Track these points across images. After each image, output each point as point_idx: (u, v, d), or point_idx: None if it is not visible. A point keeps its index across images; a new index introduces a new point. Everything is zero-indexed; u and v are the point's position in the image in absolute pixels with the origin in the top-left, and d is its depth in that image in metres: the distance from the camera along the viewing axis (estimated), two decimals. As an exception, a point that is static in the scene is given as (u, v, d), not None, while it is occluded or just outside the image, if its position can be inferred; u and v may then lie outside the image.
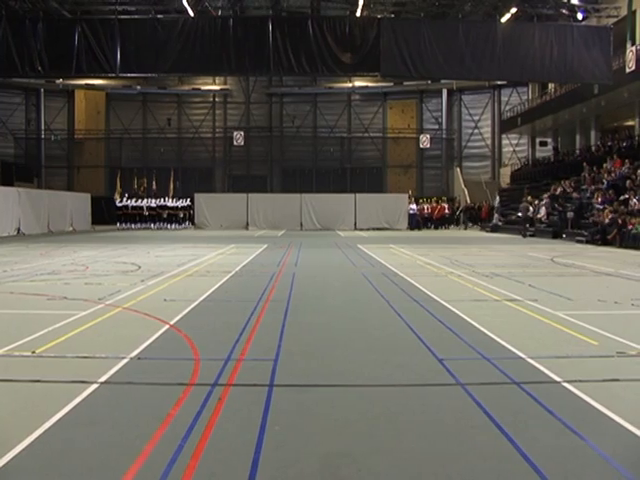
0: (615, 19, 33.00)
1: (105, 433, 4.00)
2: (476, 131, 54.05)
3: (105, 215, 44.49)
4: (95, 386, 4.95)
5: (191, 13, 33.46)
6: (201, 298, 9.53)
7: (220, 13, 37.23)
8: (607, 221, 23.98)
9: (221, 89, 54.85)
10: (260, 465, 3.50)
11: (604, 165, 32.60)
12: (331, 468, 3.49)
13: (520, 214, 33.21)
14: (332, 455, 3.66)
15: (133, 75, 36.14)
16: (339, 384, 5.10)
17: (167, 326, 7.34)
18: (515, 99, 50.62)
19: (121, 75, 30.77)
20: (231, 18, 30.39)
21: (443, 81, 48.16)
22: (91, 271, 13.49)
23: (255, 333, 7.03)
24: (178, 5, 34.70)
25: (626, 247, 21.65)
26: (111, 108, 54.33)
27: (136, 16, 31.82)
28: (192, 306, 8.79)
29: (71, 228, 36.93)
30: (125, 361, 5.73)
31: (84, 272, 13.30)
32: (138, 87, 52.74)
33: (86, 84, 50.76)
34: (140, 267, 14.30)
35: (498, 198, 41.18)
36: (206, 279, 12.15)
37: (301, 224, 39.32)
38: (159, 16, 30.54)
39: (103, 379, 5.14)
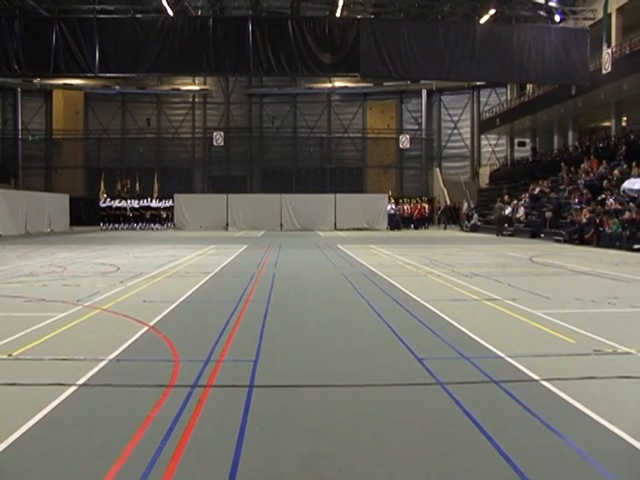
0: (592, 21, 33.35)
1: (83, 436, 3.97)
2: (455, 131, 54.36)
3: (84, 216, 44.16)
4: (73, 388, 4.91)
5: (170, 13, 33.30)
6: (181, 299, 9.49)
7: (200, 13, 37.12)
8: (584, 221, 24.22)
9: (201, 89, 54.68)
10: (240, 466, 3.49)
11: (581, 165, 32.90)
12: (311, 468, 3.49)
13: (495, 214, 34.36)
14: (312, 455, 3.66)
15: (112, 75, 35.85)
16: (319, 384, 5.10)
17: (146, 327, 7.30)
18: (494, 100, 50.98)
19: (100, 75, 30.53)
20: (211, 18, 30.32)
21: (422, 82, 48.36)
22: (69, 272, 13.38)
23: (235, 334, 7.02)
24: (157, 5, 34.51)
25: (603, 246, 21.89)
26: (90, 108, 53.96)
27: (115, 15, 31.58)
28: (171, 307, 8.75)
29: (49, 229, 36.58)
30: (104, 363, 5.69)
31: (62, 273, 13.19)
32: (117, 87, 52.42)
33: (64, 84, 50.32)
34: (119, 268, 14.20)
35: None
36: (186, 280, 12.10)
37: (281, 225, 39.28)
38: (138, 16, 30.34)
39: (81, 381, 5.09)
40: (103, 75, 32.12)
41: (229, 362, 5.77)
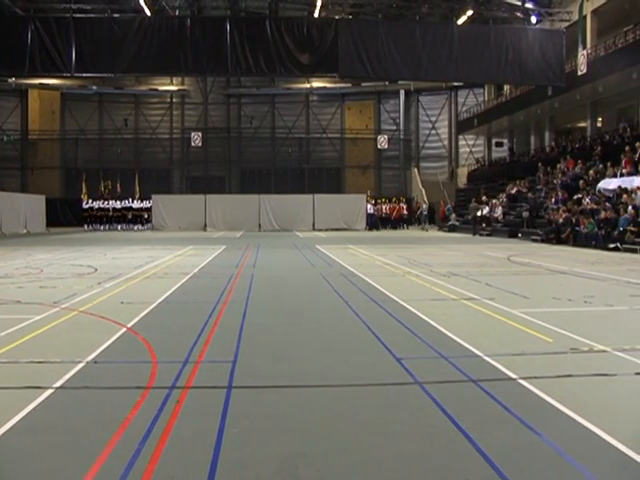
0: (567, 23, 33.70)
1: (61, 439, 3.93)
2: (433, 132, 54.62)
3: (61, 217, 43.79)
4: (50, 391, 4.85)
5: (148, 12, 33.10)
6: (159, 300, 9.43)
7: (177, 13, 36.92)
8: (561, 220, 24.45)
9: (179, 89, 54.44)
10: (219, 467, 3.48)
11: (558, 165, 33.24)
12: (290, 469, 3.49)
13: (470, 214, 35.24)
14: (291, 456, 3.66)
15: (89, 75, 35.52)
16: (298, 385, 5.10)
17: (124, 329, 7.25)
18: (471, 100, 51.32)
19: (76, 75, 30.31)
20: (188, 18, 30.20)
21: (400, 82, 48.53)
22: (46, 274, 13.24)
23: (213, 335, 6.99)
24: (135, 4, 34.29)
25: (579, 246, 22.13)
26: (66, 108, 53.49)
27: (91, 15, 31.28)
28: (150, 308, 8.70)
29: (25, 230, 36.21)
30: (81, 365, 5.64)
31: (38, 275, 13.05)
32: (94, 87, 51.94)
33: (40, 83, 49.76)
34: (97, 269, 14.09)
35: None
36: (164, 281, 12.04)
37: (259, 225, 39.20)
38: (115, 15, 30.06)
39: (58, 384, 5.04)
40: (80, 75, 31.88)
41: (207, 363, 5.75)
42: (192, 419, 4.25)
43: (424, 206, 44.49)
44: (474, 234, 32.51)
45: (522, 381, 5.09)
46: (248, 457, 3.63)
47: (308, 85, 53.41)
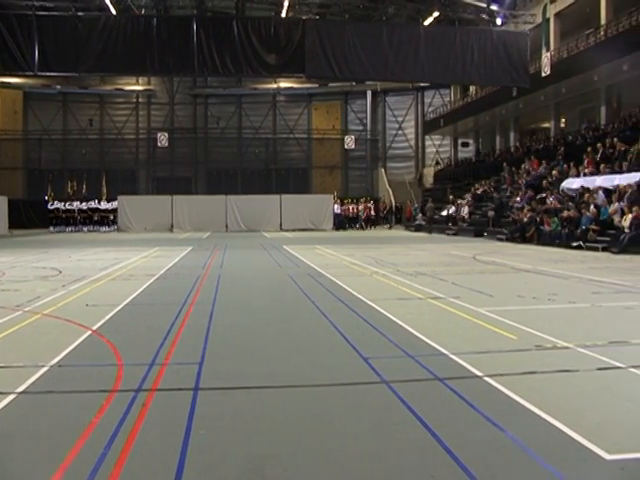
0: (531, 25, 34.17)
1: (23, 445, 3.87)
2: (400, 132, 54.93)
3: (24, 218, 43.07)
4: (12, 397, 4.78)
5: (113, 11, 32.74)
6: (124, 302, 9.34)
7: (143, 12, 36.60)
8: (526, 219, 24.77)
9: (145, 89, 53.97)
10: (185, 469, 3.46)
11: (522, 165, 33.65)
12: (257, 470, 3.49)
13: (427, 214, 36.86)
14: (258, 457, 3.65)
15: (52, 74, 35.04)
16: (265, 385, 5.09)
17: (89, 332, 7.16)
18: (438, 101, 51.73)
19: (39, 74, 29.85)
20: (155, 17, 29.98)
21: (367, 82, 48.75)
22: (8, 277, 13.02)
23: (180, 336, 6.94)
24: (99, 2, 33.90)
25: (543, 244, 22.45)
26: (29, 108, 52.67)
27: (55, 13, 30.82)
28: (115, 311, 8.61)
29: (-14, 233, 35.56)
30: (45, 369, 5.56)
31: (0, 278, 12.83)
32: (58, 86, 51.20)
33: (1, 82, 48.76)
34: (61, 272, 13.90)
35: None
36: (129, 283, 11.93)
37: (226, 226, 39.00)
38: (79, 13, 29.65)
39: (21, 389, 4.96)
40: (43, 74, 31.42)
41: (174, 365, 5.71)
42: (158, 422, 4.22)
43: (389, 206, 45.05)
44: (430, 232, 33.96)
45: (487, 378, 5.15)
46: (215, 459, 3.62)
47: (275, 85, 53.35)
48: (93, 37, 26.41)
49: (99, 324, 7.61)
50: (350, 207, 42.91)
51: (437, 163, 51.45)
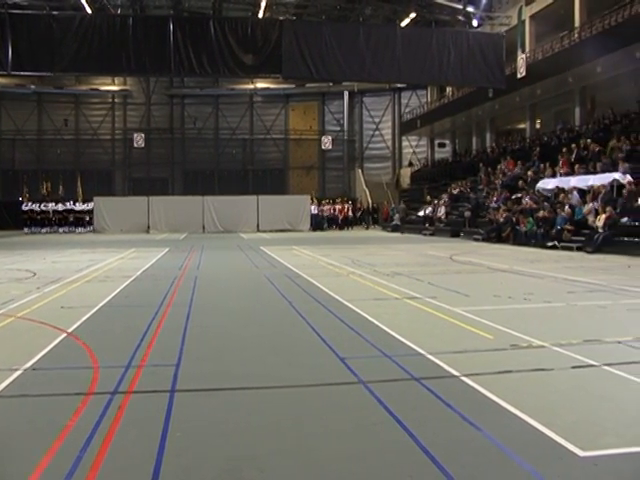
0: (507, 27, 34.44)
1: (-3, 448, 3.83)
2: (377, 133, 55.09)
3: (-3, 220, 42.60)
4: (-15, 400, 4.73)
5: (88, 10, 32.47)
6: (100, 304, 9.27)
7: (119, 11, 36.33)
8: (502, 220, 24.96)
9: (120, 90, 53.58)
10: (161, 472, 3.44)
11: (498, 166, 33.88)
12: (234, 471, 3.48)
13: (398, 214, 37.86)
14: (235, 458, 3.64)
15: (27, 74, 34.60)
16: (242, 387, 5.07)
17: (64, 334, 7.09)
18: (414, 102, 51.95)
19: (13, 73, 29.47)
20: (131, 17, 29.69)
21: (344, 83, 48.79)
22: (-18, 279, 12.87)
23: (156, 338, 6.90)
24: (74, 1, 33.59)
25: (519, 244, 22.64)
26: (2, 108, 52.03)
27: (29, 11, 30.46)
28: (91, 313, 8.53)
29: (-41, 234, 35.07)
30: (19, 373, 5.49)
31: (-26, 280, 12.68)
32: (32, 86, 50.52)
33: (-26, 82, 48.32)
34: (35, 274, 13.75)
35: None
36: (105, 285, 11.83)
37: (203, 227, 38.81)
38: (54, 12, 29.33)
39: (-6, 392, 4.91)
40: (17, 74, 31.03)
41: (150, 367, 5.68)
42: (134, 424, 4.19)
43: (364, 207, 45.30)
44: (402, 232, 34.61)
45: (464, 378, 5.18)
46: (191, 461, 3.60)
47: (252, 86, 53.25)
48: (68, 36, 26.11)
49: (74, 326, 7.54)
50: (327, 208, 42.95)
51: (410, 164, 51.71)
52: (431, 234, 31.89)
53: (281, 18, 32.34)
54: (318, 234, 36.15)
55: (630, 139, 24.43)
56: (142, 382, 5.20)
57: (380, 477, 3.43)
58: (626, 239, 18.39)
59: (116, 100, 54.12)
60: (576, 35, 29.98)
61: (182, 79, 51.78)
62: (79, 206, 41.58)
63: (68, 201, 41.82)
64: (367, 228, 43.45)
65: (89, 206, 40.75)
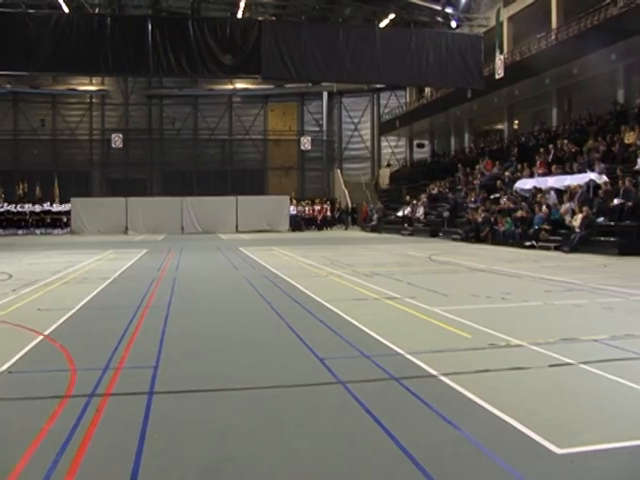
0: (485, 29, 34.70)
1: (-29, 452, 3.78)
2: (356, 133, 55.21)
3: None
4: (-40, 403, 4.66)
5: (66, 9, 32.18)
6: (78, 306, 9.18)
7: (97, 11, 36.05)
8: (480, 220, 25.12)
9: (98, 90, 53.19)
10: (140, 475, 3.42)
11: (477, 166, 34.09)
12: (213, 472, 3.46)
13: (376, 215, 38.53)
14: (214, 460, 3.62)
15: (2, 73, 34.24)
16: (221, 388, 5.06)
17: (41, 337, 7.01)
18: (393, 102, 52.14)
19: (-12, 73, 29.18)
20: (109, 17, 29.42)
21: (323, 84, 48.82)
22: (-43, 281, 12.70)
23: (134, 340, 6.85)
24: (51, 0, 33.25)
25: (497, 244, 22.82)
26: (-23, 108, 51.44)
27: (3, 9, 30.10)
28: (68, 315, 8.45)
29: None
30: (-6, 375, 5.44)
31: (-51, 282, 12.51)
32: (8, 86, 50.04)
33: (-51, 82, 47.71)
34: (11, 276, 13.59)
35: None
36: (83, 286, 11.73)
37: (182, 228, 38.61)
38: (30, 11, 29.04)
39: (-31, 397, 4.85)
40: (-8, 73, 30.73)
41: (128, 369, 5.64)
42: (112, 427, 4.15)
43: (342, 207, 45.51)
44: (379, 232, 35.26)
45: (443, 377, 5.20)
46: (170, 463, 3.58)
47: (231, 86, 53.14)
48: (45, 35, 25.82)
49: (51, 329, 7.46)
50: (306, 208, 42.97)
51: (388, 165, 51.89)
52: (410, 234, 32.00)
53: (260, 18, 32.34)
54: (297, 235, 36.13)
55: (606, 140, 24.70)
56: (120, 384, 5.16)
57: (359, 477, 3.43)
58: (602, 239, 18.60)
59: (94, 100, 53.72)
60: (553, 37, 30.26)
61: (160, 79, 51.43)
62: (56, 207, 41.26)
63: (45, 202, 41.46)
64: (346, 228, 43.53)
65: (66, 207, 40.41)
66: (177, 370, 5.63)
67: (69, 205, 39.79)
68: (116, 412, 4.47)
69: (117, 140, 50.28)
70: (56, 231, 40.11)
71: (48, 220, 40.88)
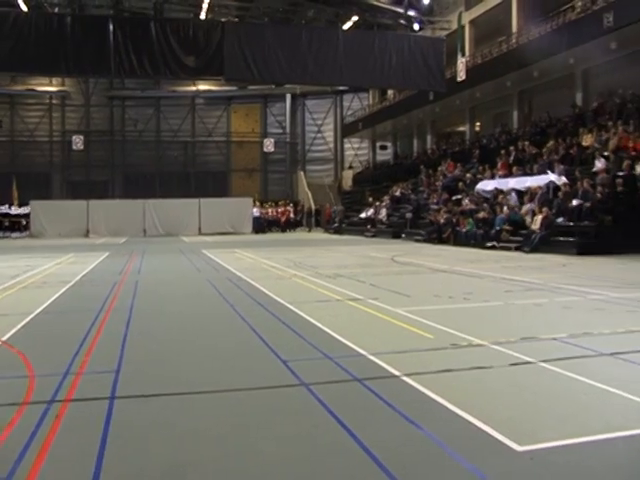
0: (447, 31, 35.06)
1: None
2: (319, 135, 55.33)
3: None
4: None
5: (24, 7, 31.64)
6: (37, 311, 9.02)
7: (57, 10, 35.52)
8: (442, 221, 25.35)
9: (58, 90, 52.43)
10: (100, 480, 3.38)
11: (439, 168, 34.40)
12: (177, 477, 3.43)
13: (337, 217, 39.15)
14: (177, 464, 3.59)
15: (-42, 73, 33.63)
16: (184, 392, 5.01)
17: (-2, 342, 6.89)
18: (356, 104, 52.38)
19: (-58, 72, 28.57)
20: (69, 16, 29.04)
21: (287, 86, 48.85)
22: None
23: (96, 344, 6.76)
24: (8, -2, 32.75)
25: (459, 245, 23.05)
26: None
27: (-42, 7, 29.60)
28: (27, 320, 8.30)
29: None
30: (-52, 383, 5.32)
31: None
32: (-36, 86, 49.13)
33: None
34: (-31, 280, 13.33)
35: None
36: (43, 290, 11.54)
37: (144, 230, 38.25)
38: (-15, 9, 28.56)
39: None
40: (-53, 73, 30.10)
41: (89, 374, 5.56)
42: (72, 433, 4.09)
43: (306, 209, 45.58)
44: (340, 234, 35.80)
45: (405, 378, 5.22)
46: (132, 468, 3.54)
47: (194, 88, 52.85)
48: (2, 34, 25.33)
49: (9, 334, 7.31)
50: (270, 210, 42.92)
51: (351, 167, 52.10)
52: (373, 236, 32.15)
53: (223, 20, 32.22)
54: (260, 237, 36.05)
55: (565, 142, 25.12)
56: (81, 389, 5.09)
57: (323, 479, 3.43)
58: (562, 239, 18.91)
59: (54, 101, 52.96)
60: (514, 40, 30.72)
61: (122, 80, 50.91)
62: (15, 210, 40.55)
63: (3, 205, 40.72)
64: (309, 230, 43.57)
65: (25, 210, 39.72)
66: (139, 374, 5.57)
67: (28, 208, 39.10)
68: (77, 418, 4.41)
69: (78, 142, 49.57)
70: (15, 234, 39.41)
71: (6, 223, 40.21)
